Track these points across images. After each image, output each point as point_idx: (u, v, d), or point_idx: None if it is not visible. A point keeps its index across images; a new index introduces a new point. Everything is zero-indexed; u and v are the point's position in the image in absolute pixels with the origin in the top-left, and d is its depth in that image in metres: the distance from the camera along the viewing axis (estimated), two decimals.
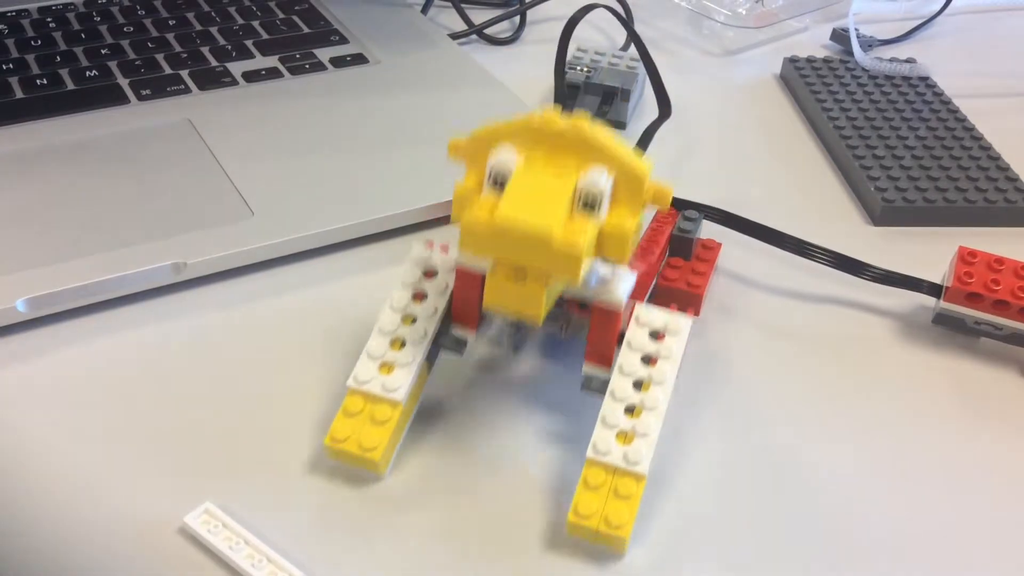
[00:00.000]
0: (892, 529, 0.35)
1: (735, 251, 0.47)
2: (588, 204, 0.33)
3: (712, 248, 0.45)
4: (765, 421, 0.39)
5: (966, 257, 0.42)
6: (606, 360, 0.36)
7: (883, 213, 0.49)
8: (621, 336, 0.36)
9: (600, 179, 0.33)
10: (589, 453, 0.33)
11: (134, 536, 0.33)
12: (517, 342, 0.41)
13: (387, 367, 0.36)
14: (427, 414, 0.38)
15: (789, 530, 0.35)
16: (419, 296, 0.37)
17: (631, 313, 0.37)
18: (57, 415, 0.37)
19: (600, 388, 0.36)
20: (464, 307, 0.37)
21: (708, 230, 0.47)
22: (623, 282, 0.36)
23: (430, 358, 0.37)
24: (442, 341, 0.38)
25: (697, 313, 0.43)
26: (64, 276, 0.40)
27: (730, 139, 0.56)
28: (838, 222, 0.50)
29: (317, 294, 0.43)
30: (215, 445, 0.36)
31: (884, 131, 0.55)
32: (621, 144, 0.33)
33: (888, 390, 0.40)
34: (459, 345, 0.38)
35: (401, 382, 0.35)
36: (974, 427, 0.39)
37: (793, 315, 0.44)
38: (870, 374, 0.41)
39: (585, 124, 0.33)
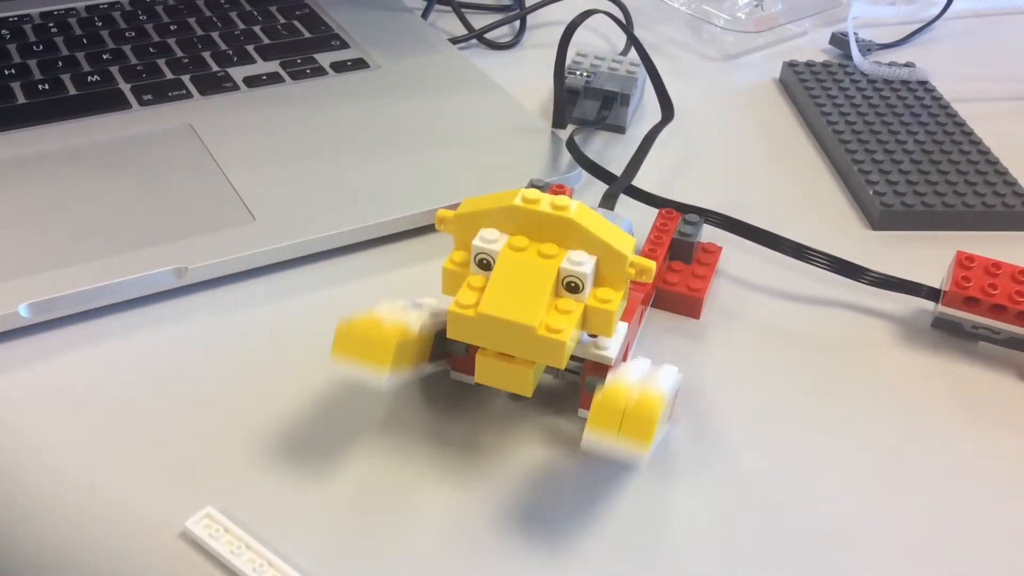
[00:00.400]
0: (892, 532, 0.35)
1: (736, 254, 0.47)
2: (571, 287, 0.33)
3: (713, 252, 0.45)
4: (765, 423, 0.39)
5: (964, 262, 0.42)
6: None
7: (882, 217, 0.50)
8: None
9: (582, 263, 0.33)
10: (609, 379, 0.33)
11: (135, 540, 0.33)
12: None
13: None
14: (428, 422, 0.38)
15: (789, 532, 0.35)
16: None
17: (627, 351, 0.38)
18: (59, 419, 0.37)
19: None
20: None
21: (708, 234, 0.48)
22: (615, 337, 0.36)
23: (432, 355, 0.38)
24: (443, 347, 0.38)
25: (698, 316, 0.43)
26: (66, 281, 0.41)
27: (730, 143, 0.57)
28: (837, 226, 0.50)
29: (319, 299, 0.43)
30: (217, 449, 0.36)
31: (883, 135, 0.55)
32: (604, 224, 0.34)
33: (887, 393, 0.41)
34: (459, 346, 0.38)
35: (415, 318, 0.35)
36: (974, 430, 0.39)
37: (793, 318, 0.44)
38: (870, 377, 0.41)
39: (568, 208, 0.33)
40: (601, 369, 0.36)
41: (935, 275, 0.46)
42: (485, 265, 0.34)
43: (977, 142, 0.54)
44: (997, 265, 0.42)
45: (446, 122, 0.53)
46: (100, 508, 0.34)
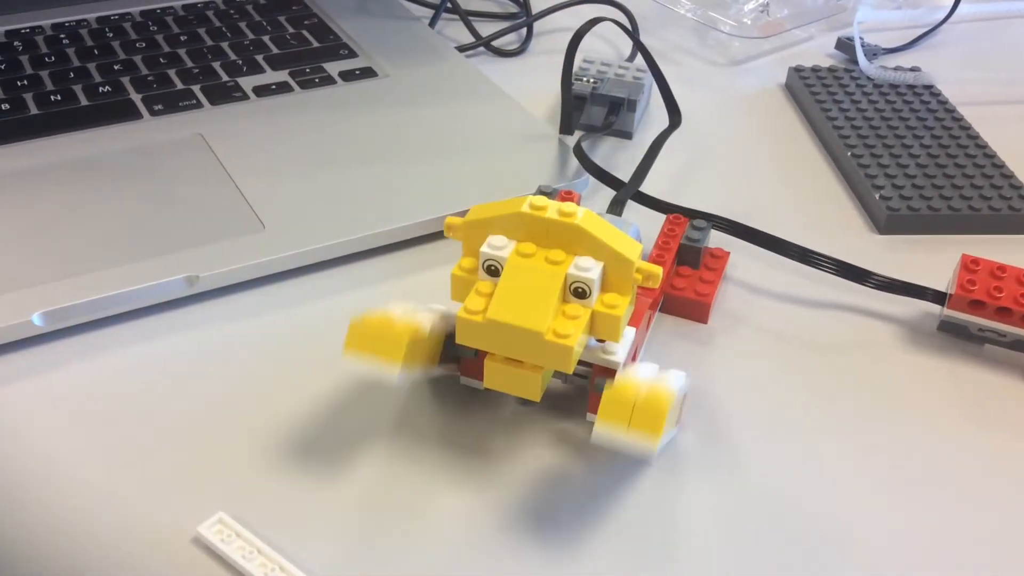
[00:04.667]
0: (899, 535, 0.35)
1: (743, 259, 0.47)
2: (578, 293, 0.34)
3: (720, 257, 0.45)
4: (772, 427, 0.39)
5: (969, 265, 0.42)
6: None
7: (888, 222, 0.50)
8: None
9: (589, 269, 0.34)
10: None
11: (148, 546, 0.33)
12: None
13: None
14: (438, 427, 0.38)
15: (795, 534, 0.35)
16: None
17: (635, 355, 0.38)
18: (72, 427, 0.37)
19: None
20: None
21: (716, 239, 0.48)
22: (622, 342, 0.36)
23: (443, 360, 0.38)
24: (452, 350, 0.38)
25: (705, 321, 0.43)
26: (79, 290, 0.41)
27: (736, 149, 0.57)
28: (843, 231, 0.50)
29: (329, 306, 0.44)
30: (228, 455, 0.37)
31: (888, 140, 0.55)
32: (611, 230, 0.34)
33: (894, 395, 0.41)
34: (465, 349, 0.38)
35: (426, 319, 0.36)
36: (980, 432, 0.39)
37: (800, 322, 0.44)
38: (876, 380, 0.41)
39: (574, 215, 0.34)
40: (609, 373, 0.36)
41: (942, 279, 0.46)
42: (493, 271, 0.35)
43: (983, 146, 0.55)
44: (1002, 268, 0.42)
45: (454, 129, 0.54)
46: (113, 514, 0.34)
